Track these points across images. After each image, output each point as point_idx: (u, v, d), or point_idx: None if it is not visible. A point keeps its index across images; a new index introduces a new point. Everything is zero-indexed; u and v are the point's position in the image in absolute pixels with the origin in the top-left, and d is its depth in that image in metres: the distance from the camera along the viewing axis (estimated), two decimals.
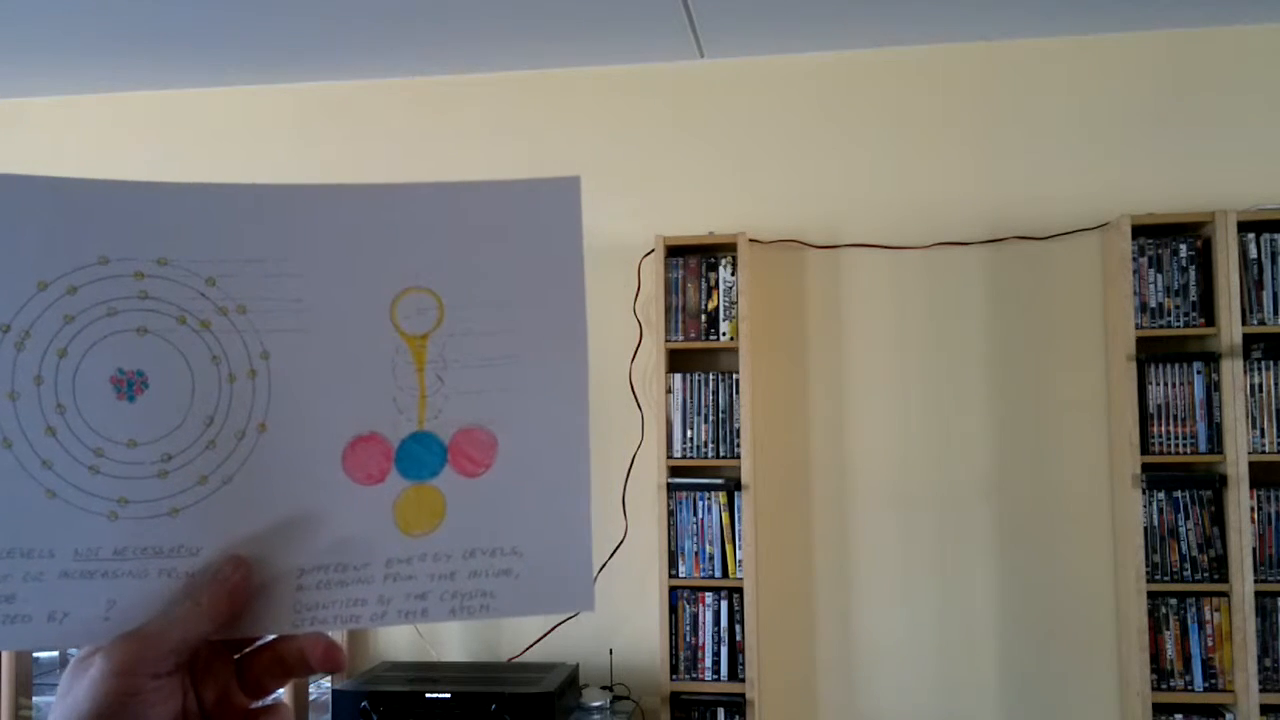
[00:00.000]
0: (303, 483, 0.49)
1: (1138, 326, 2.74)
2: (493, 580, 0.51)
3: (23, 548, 0.46)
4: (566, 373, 0.52)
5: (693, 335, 2.95)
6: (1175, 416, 2.74)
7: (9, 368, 0.46)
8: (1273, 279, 2.70)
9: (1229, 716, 2.68)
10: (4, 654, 2.65)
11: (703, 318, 2.95)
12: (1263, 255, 2.71)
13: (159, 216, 0.48)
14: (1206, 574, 2.70)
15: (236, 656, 0.51)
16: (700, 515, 2.92)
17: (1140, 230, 2.79)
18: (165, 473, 0.48)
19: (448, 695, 2.56)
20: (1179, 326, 2.75)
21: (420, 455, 0.50)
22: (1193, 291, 2.76)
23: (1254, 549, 2.66)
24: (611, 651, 2.99)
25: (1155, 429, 2.74)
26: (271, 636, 0.50)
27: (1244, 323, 2.68)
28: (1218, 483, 2.71)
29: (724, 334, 2.93)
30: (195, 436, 0.48)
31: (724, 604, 2.89)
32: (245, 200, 0.49)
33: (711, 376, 2.93)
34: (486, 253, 0.51)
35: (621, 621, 3.05)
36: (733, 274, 2.93)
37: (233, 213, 0.49)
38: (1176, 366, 2.75)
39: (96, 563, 0.47)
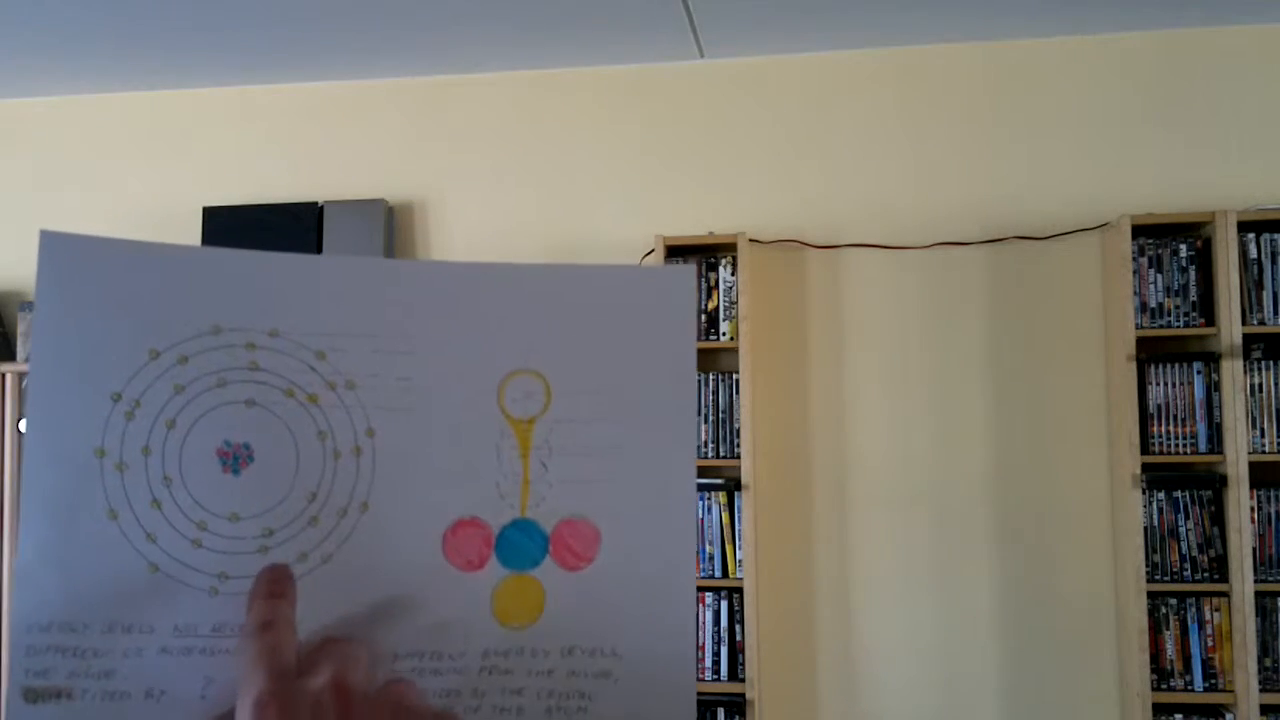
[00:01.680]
0: (402, 565, 0.48)
1: (1138, 326, 2.74)
2: (590, 681, 0.49)
3: (124, 622, 0.45)
4: (674, 468, 0.50)
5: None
6: (1175, 416, 2.74)
7: (118, 438, 0.46)
8: (1273, 279, 2.70)
9: (1229, 716, 2.68)
10: (5, 654, 2.65)
11: (703, 318, 2.95)
12: (1263, 255, 2.71)
13: (272, 287, 0.47)
14: (1206, 574, 2.70)
15: None
16: (700, 515, 2.92)
17: (1140, 230, 2.79)
18: (266, 548, 0.47)
19: None
20: (1179, 326, 2.75)
21: (521, 544, 0.49)
22: (1193, 291, 2.76)
23: (1254, 549, 2.66)
24: None
25: (1155, 429, 2.74)
26: None
27: (1244, 323, 2.68)
28: (1218, 483, 2.71)
29: (724, 334, 2.93)
30: (297, 513, 0.47)
31: (724, 604, 2.89)
32: (358, 273, 0.48)
33: (711, 376, 2.93)
34: (597, 339, 0.50)
35: None
36: (733, 274, 2.93)
37: (345, 286, 0.48)
38: (1176, 366, 2.75)
39: (195, 639, 0.46)
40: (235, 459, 0.47)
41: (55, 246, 0.46)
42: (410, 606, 0.48)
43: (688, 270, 0.51)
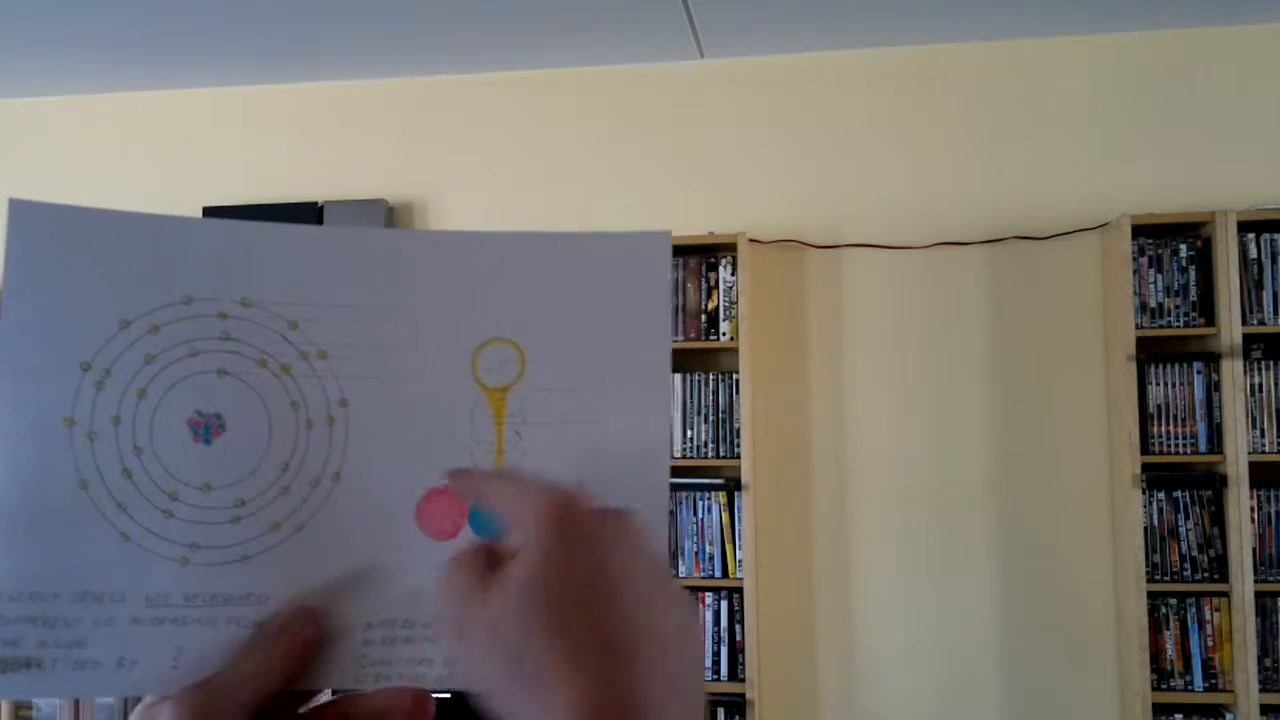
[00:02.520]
0: (375, 535, 0.48)
1: (1138, 326, 2.74)
2: None
3: (95, 592, 0.45)
4: (647, 435, 0.50)
5: (693, 335, 2.95)
6: (1175, 416, 2.74)
7: (88, 407, 0.46)
8: (1273, 279, 2.70)
9: (1229, 716, 2.68)
10: None
11: (703, 318, 2.95)
12: (1263, 255, 2.71)
13: (244, 257, 0.47)
14: (1206, 574, 2.70)
15: (301, 710, 0.49)
16: (700, 515, 2.92)
17: (1140, 230, 2.79)
18: (238, 518, 0.47)
19: (448, 695, 2.56)
20: (1179, 326, 2.75)
21: (495, 512, 0.49)
22: (1193, 291, 2.76)
23: (1254, 549, 2.66)
24: None
25: (1155, 429, 2.74)
26: (336, 695, 0.49)
27: (1244, 323, 2.68)
28: (1218, 483, 2.71)
29: (724, 334, 2.93)
30: (270, 482, 0.47)
31: (724, 604, 2.89)
32: (331, 243, 0.48)
33: (711, 376, 2.94)
34: (571, 306, 0.50)
35: None
36: (733, 274, 2.93)
37: (318, 255, 0.48)
38: (1176, 366, 2.75)
39: (166, 609, 0.46)
40: (207, 429, 0.47)
41: (25, 215, 0.45)
42: (383, 575, 0.48)
43: (663, 235, 0.51)
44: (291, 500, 0.47)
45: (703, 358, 3.04)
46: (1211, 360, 2.73)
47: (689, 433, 2.93)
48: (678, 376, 2.95)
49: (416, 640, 0.48)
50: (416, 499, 0.48)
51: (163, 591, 0.46)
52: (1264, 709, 2.62)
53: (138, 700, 0.47)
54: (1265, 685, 2.63)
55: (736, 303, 2.90)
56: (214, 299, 0.47)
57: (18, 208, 0.45)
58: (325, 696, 0.49)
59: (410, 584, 0.48)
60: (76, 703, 2.52)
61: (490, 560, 0.44)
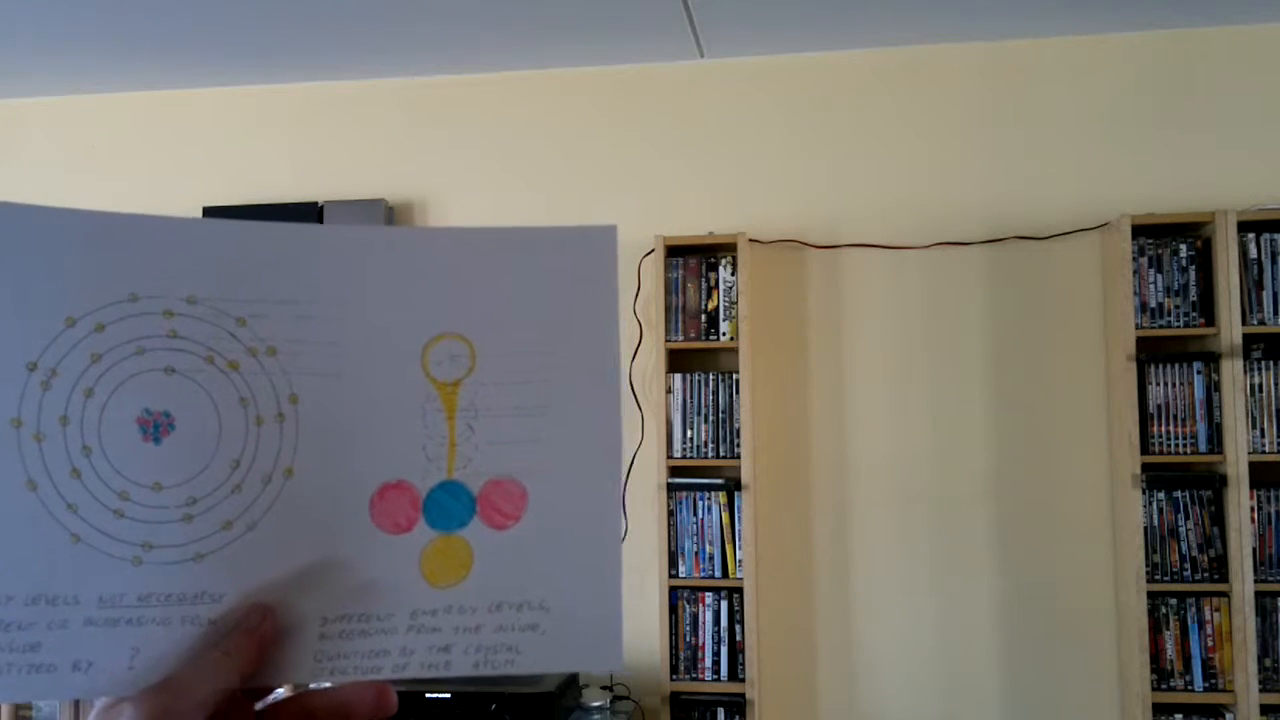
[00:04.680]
0: (329, 530, 0.48)
1: (1138, 326, 2.74)
2: (518, 635, 0.50)
3: (48, 594, 0.45)
4: (599, 425, 0.51)
5: (693, 335, 2.95)
6: (1175, 416, 2.74)
7: (35, 408, 0.45)
8: (1273, 279, 2.70)
9: (1229, 716, 2.68)
10: None
11: (703, 318, 2.95)
12: (1263, 255, 2.71)
13: (190, 254, 0.47)
14: (1206, 574, 2.70)
15: (258, 707, 0.50)
16: (700, 515, 2.92)
17: (1140, 230, 2.79)
18: (190, 517, 0.47)
19: (448, 695, 2.56)
20: (1179, 326, 2.75)
21: (448, 505, 0.49)
22: (1193, 291, 2.76)
23: (1254, 549, 2.66)
24: None
25: (1155, 429, 2.74)
26: (290, 690, 0.49)
27: (1244, 323, 2.68)
28: (1218, 483, 2.71)
29: (724, 334, 2.93)
30: (221, 480, 0.47)
31: (724, 604, 2.89)
32: (278, 240, 0.48)
33: (711, 376, 2.93)
34: (520, 300, 0.50)
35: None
36: (733, 274, 2.93)
37: (265, 252, 0.48)
38: (1176, 366, 2.75)
39: (120, 610, 0.46)
40: (156, 427, 0.46)
41: None
42: (338, 570, 0.48)
43: (608, 229, 0.52)
44: (243, 498, 0.47)
45: (703, 358, 3.04)
46: (1211, 360, 2.73)
47: (689, 433, 2.93)
48: (678, 377, 2.95)
49: (372, 633, 0.49)
50: (370, 494, 0.49)
51: (116, 592, 0.46)
52: (1264, 709, 2.62)
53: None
54: (1265, 685, 2.63)
55: (736, 303, 2.90)
56: (160, 296, 0.47)
57: None
58: (282, 693, 0.50)
59: (365, 578, 0.48)
60: (76, 703, 2.52)
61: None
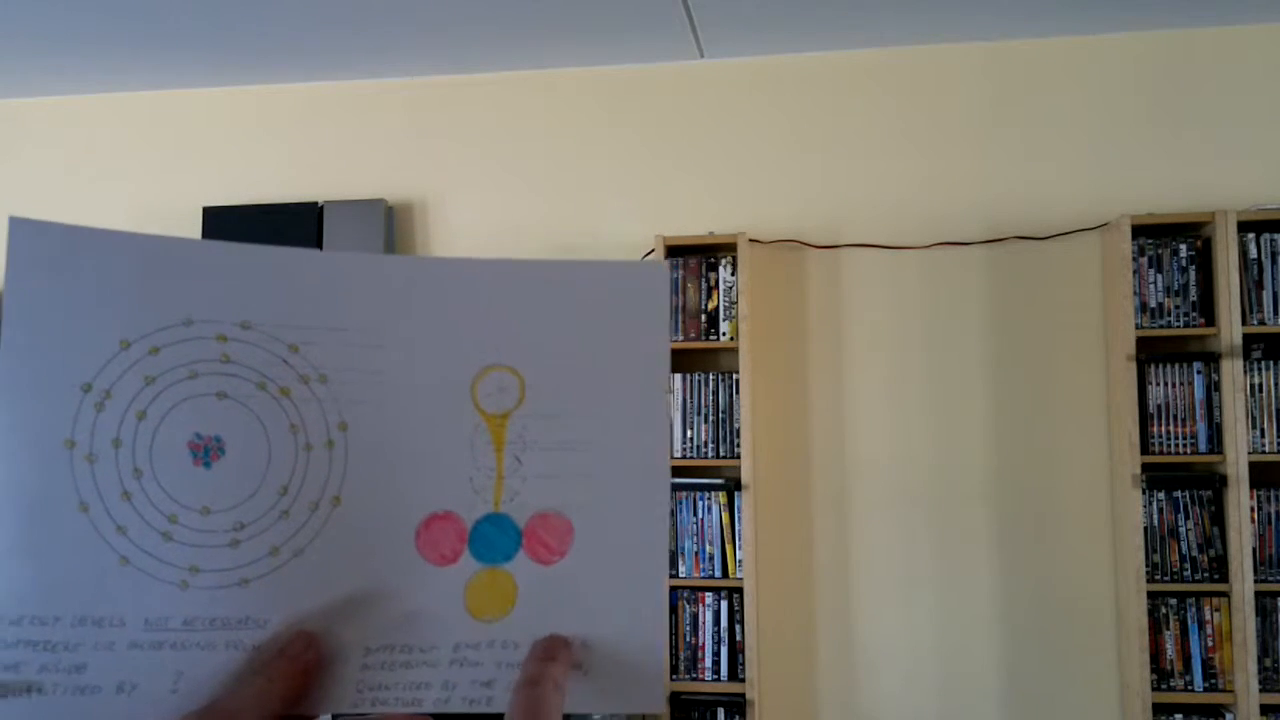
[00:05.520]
0: (374, 559, 0.48)
1: (1138, 326, 2.74)
2: None
3: (94, 616, 0.45)
4: (646, 462, 0.50)
5: (693, 335, 2.95)
6: (1175, 416, 2.74)
7: (88, 430, 0.45)
8: (1273, 279, 2.70)
9: (1229, 716, 2.68)
10: None
11: (703, 318, 2.95)
12: (1263, 255, 2.71)
13: (245, 279, 0.47)
14: (1206, 574, 2.70)
15: None
16: (700, 515, 2.92)
17: (1140, 230, 2.79)
18: (237, 542, 0.47)
19: None
20: (1179, 326, 2.75)
21: (494, 538, 0.49)
22: (1193, 291, 2.76)
23: (1254, 549, 2.66)
24: None
25: (1155, 429, 2.74)
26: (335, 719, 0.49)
27: (1244, 323, 2.68)
28: (1218, 483, 2.71)
29: (724, 334, 2.93)
30: (269, 506, 0.47)
31: (724, 604, 2.89)
32: (332, 268, 0.48)
33: (711, 376, 2.94)
34: (570, 334, 0.50)
35: None
36: (733, 274, 2.93)
37: (319, 279, 0.48)
38: (1176, 366, 2.75)
39: (165, 633, 0.46)
40: (206, 451, 0.47)
41: (26, 234, 0.45)
42: (382, 600, 0.48)
43: (662, 266, 0.52)
44: (291, 524, 0.47)
45: (703, 358, 3.04)
46: (1211, 360, 2.73)
47: (689, 433, 2.94)
48: (678, 376, 2.95)
49: (415, 665, 0.48)
50: (416, 524, 0.48)
51: (162, 615, 0.46)
52: (1264, 709, 2.62)
53: None
54: (1265, 685, 2.63)
55: (736, 303, 2.90)
56: (214, 321, 0.47)
57: (19, 226, 0.45)
58: None
59: (409, 608, 0.48)
60: None
61: None
